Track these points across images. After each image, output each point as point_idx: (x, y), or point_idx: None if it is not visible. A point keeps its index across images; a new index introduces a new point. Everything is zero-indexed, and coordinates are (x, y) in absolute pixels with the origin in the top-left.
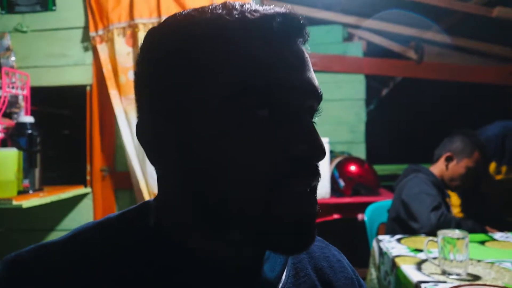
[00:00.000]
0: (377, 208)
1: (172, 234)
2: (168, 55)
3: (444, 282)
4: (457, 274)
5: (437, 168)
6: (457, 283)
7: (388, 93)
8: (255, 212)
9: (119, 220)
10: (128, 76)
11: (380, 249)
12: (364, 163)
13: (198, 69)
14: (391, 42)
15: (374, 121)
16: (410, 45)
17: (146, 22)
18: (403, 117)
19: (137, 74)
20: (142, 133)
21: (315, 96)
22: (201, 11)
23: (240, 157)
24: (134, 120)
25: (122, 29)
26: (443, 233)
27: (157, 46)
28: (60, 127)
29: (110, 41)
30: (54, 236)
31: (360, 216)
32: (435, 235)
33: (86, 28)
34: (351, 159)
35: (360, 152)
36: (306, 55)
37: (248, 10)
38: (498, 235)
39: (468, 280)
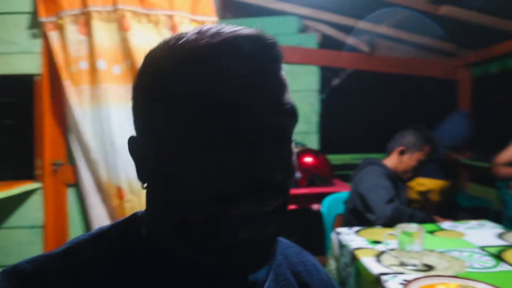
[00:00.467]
0: (334, 200)
1: (161, 243)
2: (147, 82)
3: (402, 273)
4: (414, 265)
5: (391, 161)
6: (414, 273)
7: (340, 83)
8: (206, 230)
9: (111, 230)
10: (80, 65)
11: (339, 241)
12: (319, 155)
13: (169, 94)
14: (345, 35)
15: (327, 111)
16: (363, 38)
17: (100, 10)
18: (355, 108)
19: (132, 96)
20: (133, 150)
21: (282, 116)
22: (178, 37)
23: (195, 177)
24: (89, 111)
25: (74, 16)
26: (401, 227)
27: (141, 73)
28: (4, 117)
29: (62, 29)
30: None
31: (314, 206)
32: (390, 226)
33: (35, 14)
34: (307, 150)
35: (313, 142)
36: (277, 75)
37: (213, 33)
38: (445, 224)
39: (424, 270)
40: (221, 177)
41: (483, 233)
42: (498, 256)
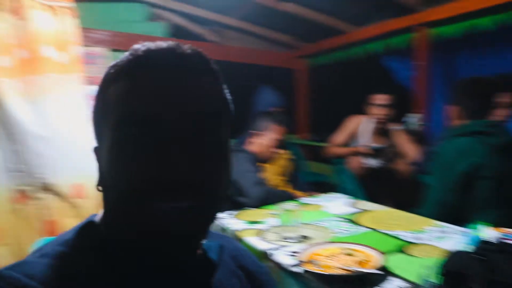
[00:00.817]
0: None
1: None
2: (95, 98)
3: (285, 246)
4: (295, 238)
5: (249, 145)
6: (296, 245)
7: None
8: (131, 226)
9: (78, 234)
10: None
11: (220, 226)
12: None
13: (103, 105)
14: (195, 25)
15: None
16: (212, 29)
17: None
18: None
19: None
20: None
21: (195, 123)
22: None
23: (118, 178)
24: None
25: None
26: (283, 205)
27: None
28: None
29: None
30: None
31: None
32: (260, 206)
33: None
34: None
35: None
36: (192, 85)
37: (134, 50)
38: (304, 199)
39: (303, 241)
40: (140, 179)
41: (337, 203)
42: (354, 221)
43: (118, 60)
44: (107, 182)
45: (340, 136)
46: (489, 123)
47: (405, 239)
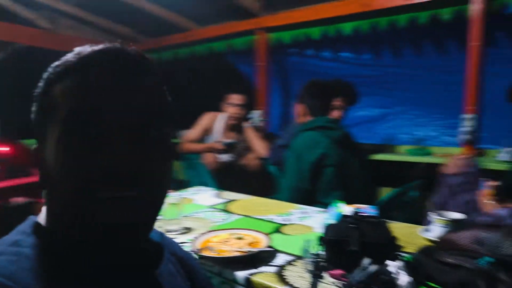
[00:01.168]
0: None
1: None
2: (38, 97)
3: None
4: (178, 230)
5: None
6: (179, 236)
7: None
8: (81, 218)
9: (24, 233)
10: None
11: None
12: (16, 142)
13: (47, 103)
14: (22, 7)
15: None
16: (43, 14)
17: None
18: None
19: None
20: (34, 158)
21: (134, 119)
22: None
23: (67, 171)
24: None
25: None
26: (168, 200)
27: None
28: None
29: None
30: None
31: (18, 200)
32: None
33: None
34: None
35: None
36: (134, 83)
37: (77, 52)
38: (173, 194)
39: (186, 232)
40: (88, 170)
41: (204, 196)
42: (227, 210)
43: (62, 60)
44: (53, 179)
45: (194, 133)
46: (329, 120)
47: (277, 221)
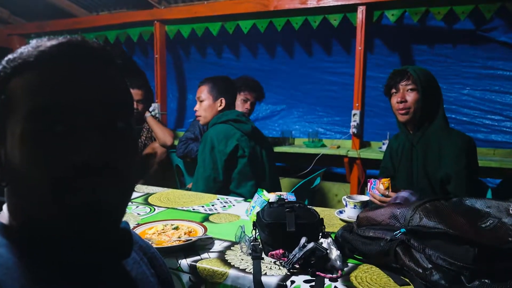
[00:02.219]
0: None
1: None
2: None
3: None
4: None
5: None
6: None
7: None
8: (44, 216)
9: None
10: None
11: None
12: None
13: (7, 97)
14: None
15: None
16: None
17: None
18: None
19: None
20: None
21: (100, 111)
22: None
23: (35, 168)
24: None
25: None
26: None
27: None
28: None
29: None
30: None
31: None
32: None
33: None
34: None
35: None
36: (97, 75)
37: (37, 45)
38: None
39: None
40: (60, 165)
41: None
42: (149, 203)
43: (18, 54)
44: (19, 175)
45: None
46: (240, 113)
47: (203, 211)
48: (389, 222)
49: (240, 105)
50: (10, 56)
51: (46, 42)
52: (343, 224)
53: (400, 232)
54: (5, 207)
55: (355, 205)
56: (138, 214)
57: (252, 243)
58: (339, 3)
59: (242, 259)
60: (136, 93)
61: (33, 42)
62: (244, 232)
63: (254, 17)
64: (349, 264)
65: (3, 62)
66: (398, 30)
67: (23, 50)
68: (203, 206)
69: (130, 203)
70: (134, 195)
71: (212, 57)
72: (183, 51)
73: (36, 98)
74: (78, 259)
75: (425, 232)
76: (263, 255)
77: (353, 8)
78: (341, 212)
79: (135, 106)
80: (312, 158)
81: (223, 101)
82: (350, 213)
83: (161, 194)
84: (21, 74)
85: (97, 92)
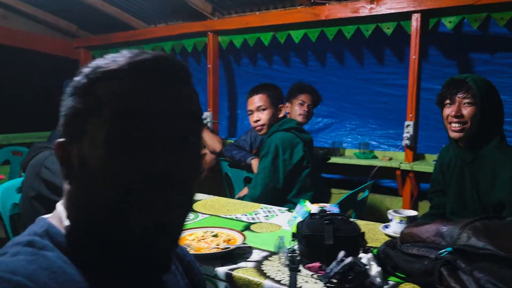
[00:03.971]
0: (7, 189)
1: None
2: (78, 93)
3: None
4: None
5: None
6: None
7: None
8: (111, 220)
9: (38, 235)
10: None
11: None
12: None
13: (94, 99)
14: None
15: None
16: None
17: None
18: None
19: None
20: (63, 153)
21: (184, 124)
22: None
23: (114, 172)
24: None
25: None
26: None
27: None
28: None
29: None
30: None
31: None
32: None
33: None
34: None
35: None
36: (182, 90)
37: (128, 57)
38: None
39: None
40: (129, 172)
41: None
42: (192, 209)
43: (108, 61)
44: (89, 176)
45: None
46: (297, 122)
47: (246, 220)
48: (435, 239)
49: (298, 109)
50: (99, 62)
51: (140, 54)
52: (388, 239)
53: (446, 251)
54: (59, 207)
55: (401, 220)
56: None
57: (290, 255)
58: (392, 11)
59: (279, 270)
60: None
61: (125, 52)
62: (283, 242)
63: (305, 27)
64: (389, 282)
65: (92, 66)
66: (456, 38)
67: (115, 58)
68: (246, 215)
69: None
70: None
71: (263, 67)
72: (235, 61)
73: (123, 104)
74: (123, 270)
75: (473, 253)
76: (301, 267)
77: (407, 15)
78: (386, 226)
79: None
80: (363, 170)
81: (283, 108)
82: (396, 228)
83: (206, 201)
84: (111, 79)
85: (177, 105)
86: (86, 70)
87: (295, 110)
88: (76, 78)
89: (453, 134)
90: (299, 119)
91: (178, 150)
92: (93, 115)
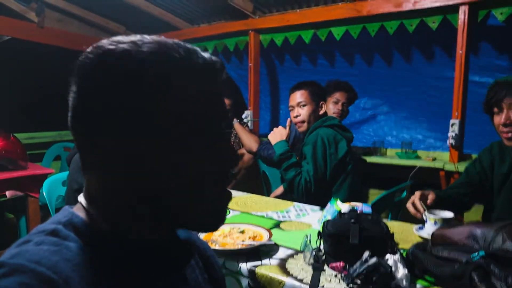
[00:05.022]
0: (53, 182)
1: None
2: (141, 83)
3: None
4: None
5: None
6: None
7: None
8: (207, 206)
9: (63, 225)
10: None
11: None
12: (9, 136)
13: (169, 98)
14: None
15: None
16: (31, 6)
17: None
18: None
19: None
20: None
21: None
22: (137, 44)
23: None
24: None
25: None
26: None
27: (107, 84)
28: None
29: None
30: None
31: (8, 193)
32: None
33: None
34: None
35: None
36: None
37: (193, 52)
38: None
39: None
40: (228, 165)
41: None
42: None
43: (188, 60)
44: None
45: None
46: (339, 120)
47: (275, 218)
48: (467, 242)
49: (332, 107)
50: (184, 64)
51: (202, 53)
52: (420, 241)
53: (478, 255)
54: (81, 198)
55: (435, 222)
56: None
57: (314, 253)
58: (438, 4)
59: (303, 269)
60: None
61: (189, 47)
62: (309, 241)
63: (346, 23)
64: (417, 285)
65: (162, 64)
66: (509, 30)
67: (190, 55)
68: (277, 213)
69: None
70: None
71: (307, 64)
72: (277, 59)
73: (213, 105)
74: (145, 264)
75: (508, 258)
76: (325, 267)
77: (454, 8)
78: (421, 228)
79: None
80: (404, 170)
81: (324, 105)
82: (430, 230)
83: (239, 198)
84: (198, 82)
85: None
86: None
87: (329, 108)
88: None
89: (509, 143)
90: None
91: (230, 146)
92: (184, 119)
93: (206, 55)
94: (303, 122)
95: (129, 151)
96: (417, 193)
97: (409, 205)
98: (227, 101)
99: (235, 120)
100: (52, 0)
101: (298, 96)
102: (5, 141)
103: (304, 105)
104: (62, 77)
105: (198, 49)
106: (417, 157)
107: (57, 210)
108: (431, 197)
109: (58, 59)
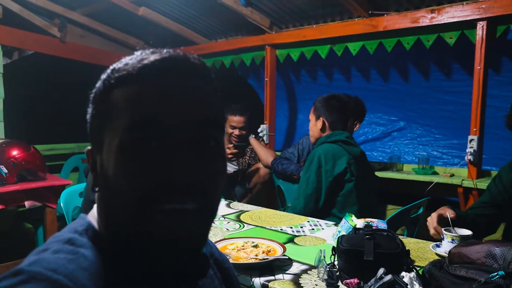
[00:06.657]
0: (71, 193)
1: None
2: (96, 100)
3: None
4: None
5: None
6: None
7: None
8: (138, 229)
9: (79, 233)
10: None
11: None
12: (28, 147)
13: (108, 109)
14: (34, 15)
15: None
16: (54, 22)
17: None
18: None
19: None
20: (91, 160)
21: (197, 127)
22: (120, 61)
23: (127, 180)
24: None
25: None
26: None
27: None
28: None
29: None
30: None
31: (27, 203)
32: None
33: None
34: (12, 143)
35: None
36: (195, 91)
37: (139, 59)
38: None
39: None
40: (149, 181)
41: None
42: (241, 220)
43: (122, 64)
44: (111, 184)
45: None
46: (348, 135)
47: (289, 232)
48: (485, 261)
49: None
50: (115, 66)
51: (150, 56)
52: (437, 258)
53: (497, 274)
54: (96, 208)
55: (453, 239)
56: (227, 229)
57: (328, 269)
58: (455, 20)
59: (316, 285)
60: (238, 121)
61: (138, 54)
62: (324, 256)
63: (363, 39)
64: None
65: (108, 71)
66: None
67: (128, 61)
68: (291, 227)
69: (222, 219)
70: (228, 211)
71: (323, 79)
72: (293, 74)
73: (134, 111)
74: (156, 275)
75: None
76: (339, 283)
77: (472, 24)
78: (438, 245)
79: (237, 132)
80: (421, 186)
81: (322, 121)
82: (447, 247)
83: (253, 213)
84: (123, 85)
85: (191, 109)
86: (103, 75)
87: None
88: (97, 85)
89: None
90: None
91: (192, 156)
92: (108, 123)
93: (155, 57)
94: (311, 135)
95: (100, 166)
96: (435, 215)
97: (429, 222)
98: (240, 119)
99: (251, 135)
100: (75, 16)
101: (311, 110)
102: (25, 152)
103: (310, 119)
104: (82, 90)
105: (157, 54)
106: (434, 173)
107: (74, 220)
108: (451, 216)
109: (79, 72)
